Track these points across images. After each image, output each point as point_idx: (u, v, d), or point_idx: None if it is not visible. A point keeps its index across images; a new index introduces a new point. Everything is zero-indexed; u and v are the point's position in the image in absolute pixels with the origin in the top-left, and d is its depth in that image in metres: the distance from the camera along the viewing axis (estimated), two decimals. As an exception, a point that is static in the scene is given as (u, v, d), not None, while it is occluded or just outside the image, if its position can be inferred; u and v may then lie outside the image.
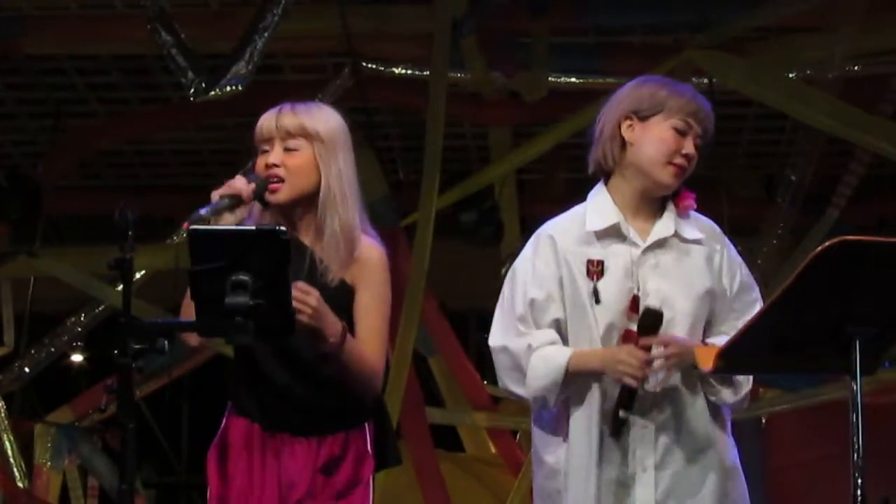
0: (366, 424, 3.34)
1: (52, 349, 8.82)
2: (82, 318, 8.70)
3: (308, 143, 3.31)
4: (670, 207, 3.32)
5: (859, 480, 2.74)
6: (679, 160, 3.25)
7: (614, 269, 3.23)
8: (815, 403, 7.61)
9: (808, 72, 7.45)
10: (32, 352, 8.78)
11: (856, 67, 7.42)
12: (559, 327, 3.27)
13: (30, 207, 8.06)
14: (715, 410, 3.26)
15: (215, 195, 3.20)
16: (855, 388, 2.79)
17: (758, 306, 3.26)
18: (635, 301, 3.18)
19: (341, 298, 3.27)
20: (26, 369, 8.77)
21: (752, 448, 7.56)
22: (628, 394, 3.13)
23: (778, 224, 7.98)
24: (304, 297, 3.09)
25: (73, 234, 9.79)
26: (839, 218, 7.88)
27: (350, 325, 3.28)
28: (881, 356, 2.94)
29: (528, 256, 3.35)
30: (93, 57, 8.30)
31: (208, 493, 3.30)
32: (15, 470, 8.70)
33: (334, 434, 3.28)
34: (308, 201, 3.32)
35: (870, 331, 2.80)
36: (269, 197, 3.28)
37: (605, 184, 3.35)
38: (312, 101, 3.63)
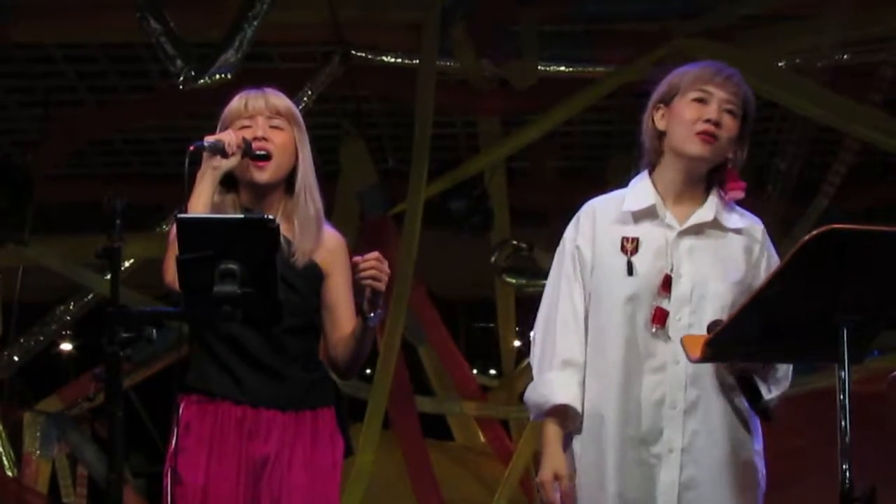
0: (333, 406, 3.40)
1: (41, 338, 8.81)
2: (71, 307, 8.70)
3: (289, 125, 3.42)
4: (714, 194, 3.31)
5: (847, 469, 2.74)
6: (702, 126, 3.22)
7: (648, 247, 3.23)
8: (804, 392, 7.62)
9: (798, 60, 7.45)
10: (21, 340, 8.76)
11: (845, 56, 7.42)
12: (585, 297, 3.28)
13: (19, 196, 8.04)
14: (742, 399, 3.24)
15: (208, 139, 3.28)
16: (843, 376, 2.78)
17: None
18: (667, 280, 3.18)
19: (312, 280, 3.38)
20: (15, 358, 8.76)
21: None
22: (748, 385, 3.15)
23: (767, 213, 7.96)
24: (381, 265, 3.21)
25: (61, 222, 9.77)
26: (829, 206, 7.89)
27: (317, 306, 3.40)
28: (869, 345, 2.94)
29: (570, 234, 3.37)
30: (82, 45, 8.29)
31: (181, 488, 3.23)
32: (4, 459, 8.69)
33: (312, 409, 3.34)
34: (282, 184, 3.42)
35: (858, 319, 2.79)
36: (256, 175, 3.36)
37: (650, 173, 3.36)
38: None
